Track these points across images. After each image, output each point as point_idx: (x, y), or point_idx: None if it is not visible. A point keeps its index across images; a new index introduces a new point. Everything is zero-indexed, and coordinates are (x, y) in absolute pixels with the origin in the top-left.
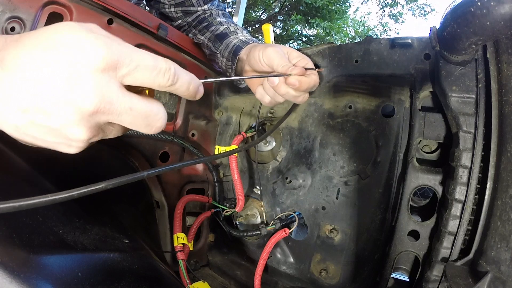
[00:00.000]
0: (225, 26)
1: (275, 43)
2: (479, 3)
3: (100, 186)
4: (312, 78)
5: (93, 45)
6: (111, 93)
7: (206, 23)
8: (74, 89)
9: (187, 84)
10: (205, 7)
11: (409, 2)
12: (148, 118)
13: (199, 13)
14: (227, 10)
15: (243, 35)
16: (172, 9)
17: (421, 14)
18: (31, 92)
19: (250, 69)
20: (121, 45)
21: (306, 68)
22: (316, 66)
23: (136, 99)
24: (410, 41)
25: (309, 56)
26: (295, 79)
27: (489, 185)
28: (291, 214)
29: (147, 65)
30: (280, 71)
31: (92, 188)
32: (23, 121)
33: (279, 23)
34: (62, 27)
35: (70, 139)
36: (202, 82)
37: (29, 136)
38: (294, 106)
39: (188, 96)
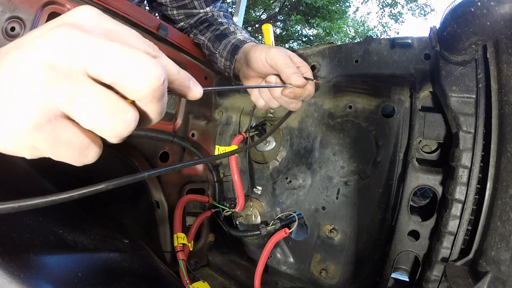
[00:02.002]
0: (225, 26)
1: (275, 43)
2: (479, 3)
3: (101, 186)
4: (307, 89)
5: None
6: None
7: (207, 24)
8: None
9: (175, 67)
10: (207, 9)
11: (409, 2)
12: (135, 59)
13: (201, 15)
14: (228, 11)
15: (242, 35)
16: (175, 12)
17: (421, 14)
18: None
19: (249, 69)
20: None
21: (306, 79)
22: (313, 67)
23: (104, 89)
24: (410, 41)
25: (309, 56)
26: (290, 91)
27: (489, 185)
28: (291, 214)
29: (131, 32)
30: (285, 71)
31: (92, 189)
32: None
33: (279, 23)
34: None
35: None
36: (204, 90)
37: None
38: None
39: (184, 86)
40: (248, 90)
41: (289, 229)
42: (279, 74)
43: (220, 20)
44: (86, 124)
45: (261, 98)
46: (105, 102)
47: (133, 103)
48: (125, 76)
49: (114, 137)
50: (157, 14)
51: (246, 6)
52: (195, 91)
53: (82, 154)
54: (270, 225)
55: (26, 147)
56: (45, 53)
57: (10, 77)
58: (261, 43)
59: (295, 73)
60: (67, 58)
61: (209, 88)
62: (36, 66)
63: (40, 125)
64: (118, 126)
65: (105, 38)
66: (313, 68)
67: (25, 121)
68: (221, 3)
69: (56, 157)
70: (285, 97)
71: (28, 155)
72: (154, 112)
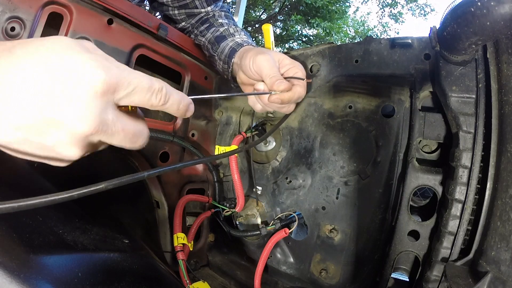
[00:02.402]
0: (225, 27)
1: (275, 43)
2: (479, 3)
3: (100, 186)
4: (296, 92)
5: (93, 68)
6: (107, 116)
7: (207, 24)
8: (71, 112)
9: (177, 103)
10: (209, 8)
11: (409, 2)
12: (134, 137)
13: (202, 14)
14: (230, 11)
15: (240, 37)
16: (176, 11)
17: (421, 14)
18: (25, 111)
19: (243, 74)
20: (119, 68)
21: (292, 78)
22: (312, 69)
23: (127, 120)
24: (410, 41)
25: (309, 56)
26: (276, 97)
27: (489, 185)
28: (291, 214)
29: (143, 87)
30: (268, 83)
31: (92, 189)
32: (15, 138)
33: (279, 23)
34: (59, 46)
35: (62, 156)
36: (192, 98)
37: (20, 151)
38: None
39: (179, 115)
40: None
41: (289, 229)
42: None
43: (220, 20)
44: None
45: (257, 103)
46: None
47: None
48: (126, 146)
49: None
50: (158, 15)
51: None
52: (188, 115)
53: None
54: (270, 225)
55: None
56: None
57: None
58: (261, 43)
59: (277, 80)
60: (93, 141)
61: (198, 97)
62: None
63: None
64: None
65: (117, 129)
66: (312, 68)
67: (87, 127)
68: (222, 2)
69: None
70: (276, 104)
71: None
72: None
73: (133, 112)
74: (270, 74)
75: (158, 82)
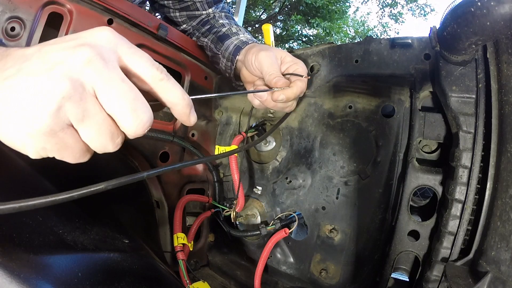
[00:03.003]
0: (227, 27)
1: (275, 43)
2: (479, 3)
3: (100, 187)
4: (298, 87)
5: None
6: (107, 55)
7: (208, 26)
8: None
9: (181, 92)
10: (210, 10)
11: (409, 2)
12: (136, 103)
13: (203, 16)
14: (230, 11)
15: (244, 36)
16: (177, 14)
17: (421, 14)
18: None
19: (246, 71)
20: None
21: (292, 74)
22: (312, 69)
23: (127, 80)
24: (410, 41)
25: (309, 56)
26: (280, 93)
27: (489, 185)
28: (291, 214)
29: (144, 55)
30: (267, 80)
31: (92, 189)
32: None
33: (279, 23)
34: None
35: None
36: (192, 98)
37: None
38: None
39: (182, 112)
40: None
41: (289, 229)
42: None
43: (221, 21)
44: (86, 139)
45: (255, 99)
46: (106, 128)
47: None
48: (122, 116)
49: (101, 151)
50: (159, 17)
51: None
52: (192, 119)
53: (81, 156)
54: (270, 225)
55: (35, 148)
56: (69, 71)
57: (33, 83)
58: (261, 43)
59: (276, 77)
60: (86, 80)
61: (198, 96)
62: (60, 80)
63: (54, 131)
64: (108, 145)
65: (118, 75)
66: (312, 68)
67: (42, 126)
68: (224, 3)
69: (60, 157)
70: (279, 104)
71: (34, 155)
72: (133, 139)
73: None
74: (270, 71)
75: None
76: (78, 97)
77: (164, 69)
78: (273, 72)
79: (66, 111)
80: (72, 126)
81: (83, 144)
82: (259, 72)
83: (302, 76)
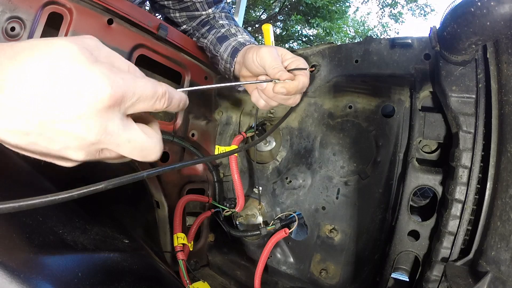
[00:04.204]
0: (226, 28)
1: (275, 43)
2: (479, 3)
3: (100, 186)
4: (300, 81)
5: (99, 82)
6: (114, 127)
7: (208, 26)
8: (78, 122)
9: (178, 102)
10: (210, 11)
11: (409, 2)
12: (144, 151)
13: (203, 17)
14: (231, 12)
15: (243, 37)
16: (177, 14)
17: (421, 14)
18: (32, 117)
19: (246, 71)
20: (124, 79)
21: (295, 69)
22: (314, 66)
23: (135, 132)
24: (410, 41)
25: (309, 56)
26: (281, 86)
27: (489, 185)
28: (291, 214)
29: (147, 95)
30: (270, 73)
31: (92, 189)
32: (24, 142)
33: (279, 23)
34: (62, 54)
35: (67, 159)
36: (179, 90)
37: (27, 151)
38: (294, 106)
39: (178, 110)
40: (248, 91)
41: (289, 229)
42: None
43: (221, 22)
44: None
45: (261, 99)
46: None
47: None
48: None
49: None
50: (160, 17)
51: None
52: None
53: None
54: (270, 225)
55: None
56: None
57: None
58: (261, 43)
59: (279, 71)
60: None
61: (189, 88)
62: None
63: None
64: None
65: (125, 134)
66: (312, 68)
67: (92, 136)
68: (224, 3)
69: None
70: (280, 95)
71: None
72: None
73: (147, 121)
74: (273, 65)
75: (161, 86)
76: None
77: (165, 90)
78: (277, 66)
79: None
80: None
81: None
82: (261, 69)
83: (305, 69)
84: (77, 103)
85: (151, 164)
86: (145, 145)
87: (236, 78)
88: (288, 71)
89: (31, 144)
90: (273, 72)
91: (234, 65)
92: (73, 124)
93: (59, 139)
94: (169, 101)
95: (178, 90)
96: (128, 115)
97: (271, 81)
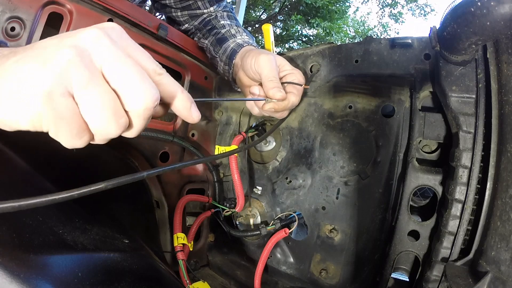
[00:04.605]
0: (226, 29)
1: (275, 43)
2: (479, 3)
3: (100, 186)
4: (290, 101)
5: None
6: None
7: (209, 27)
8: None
9: (179, 86)
10: (211, 9)
11: (409, 2)
12: (143, 77)
13: (205, 16)
14: (233, 11)
15: (242, 38)
16: (179, 13)
17: (421, 14)
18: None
19: (244, 74)
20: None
21: (290, 83)
22: (313, 72)
23: (133, 58)
24: (410, 41)
25: (309, 56)
26: (271, 106)
27: (489, 185)
28: (291, 214)
29: (145, 51)
30: (266, 85)
31: (92, 188)
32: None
33: (279, 23)
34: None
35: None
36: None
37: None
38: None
39: (184, 107)
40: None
41: (289, 229)
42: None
43: (222, 22)
44: (86, 113)
45: (255, 107)
46: (110, 102)
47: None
48: (129, 89)
49: (102, 136)
50: (162, 17)
51: (246, 6)
52: (194, 115)
53: (76, 136)
54: (270, 225)
55: (32, 113)
56: (78, 40)
57: (42, 50)
58: (261, 43)
59: (275, 87)
60: (94, 52)
61: (198, 99)
62: (68, 46)
63: (53, 94)
64: (111, 125)
65: (125, 53)
66: (312, 68)
67: (43, 86)
68: (227, 2)
69: (55, 131)
70: (268, 111)
71: (29, 125)
72: (137, 126)
73: None
74: (269, 77)
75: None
76: (84, 64)
77: (162, 68)
78: (273, 79)
79: (69, 75)
80: (73, 98)
81: (82, 121)
82: (258, 76)
83: (301, 85)
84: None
85: (152, 164)
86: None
87: (235, 80)
88: (283, 83)
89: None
90: (268, 85)
91: (233, 67)
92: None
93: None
94: (166, 73)
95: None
96: None
97: (264, 99)
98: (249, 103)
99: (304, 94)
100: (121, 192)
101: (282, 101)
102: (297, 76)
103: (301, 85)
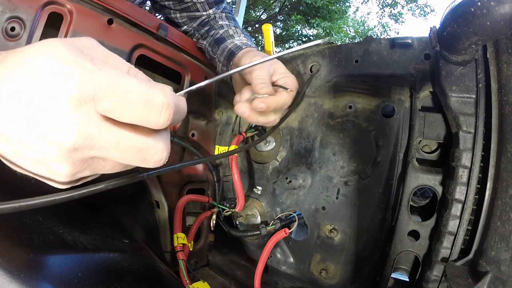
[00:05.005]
0: (225, 29)
1: (275, 43)
2: (479, 3)
3: (100, 186)
4: (282, 97)
5: (67, 73)
6: (91, 128)
7: (208, 27)
8: (50, 124)
9: (183, 115)
10: (210, 11)
11: (409, 2)
12: (141, 152)
13: (203, 17)
14: (232, 12)
15: (240, 39)
16: (178, 15)
17: (421, 14)
18: (10, 123)
19: (239, 76)
20: (105, 72)
21: (280, 86)
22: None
23: (125, 132)
24: (410, 41)
25: (309, 56)
26: (260, 101)
27: (489, 185)
28: (291, 214)
29: (135, 99)
30: (254, 83)
31: (92, 189)
32: (7, 150)
33: (279, 23)
34: (44, 50)
35: (54, 172)
36: (182, 92)
37: (15, 164)
38: (293, 106)
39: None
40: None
41: (289, 229)
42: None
43: (220, 22)
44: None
45: (247, 111)
46: (132, 145)
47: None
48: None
49: (155, 162)
50: (161, 18)
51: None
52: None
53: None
54: (270, 225)
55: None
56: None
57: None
58: (261, 43)
59: (263, 83)
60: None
61: (183, 91)
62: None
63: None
64: (146, 160)
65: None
66: (312, 68)
67: (69, 139)
68: (226, 3)
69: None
70: (259, 109)
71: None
72: (172, 121)
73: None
74: (259, 76)
75: (163, 93)
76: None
77: (170, 100)
78: (262, 77)
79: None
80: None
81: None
82: (249, 75)
83: (287, 89)
84: (46, 101)
85: None
86: (141, 145)
87: (233, 81)
88: (273, 85)
89: (14, 154)
90: (256, 82)
91: (231, 68)
92: (45, 126)
93: (36, 145)
94: (174, 115)
95: (180, 92)
96: (113, 121)
97: (256, 96)
98: (240, 109)
99: (304, 94)
100: (121, 192)
101: (273, 96)
102: (290, 79)
103: (287, 89)
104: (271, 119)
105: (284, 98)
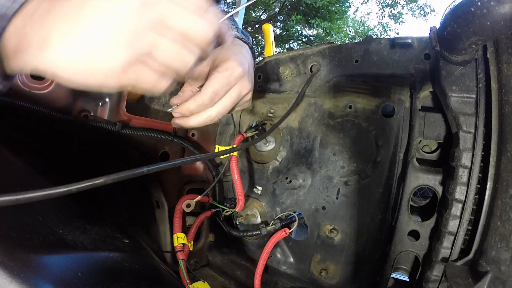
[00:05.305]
0: None
1: (275, 43)
2: (479, 3)
3: (100, 181)
4: (193, 103)
5: None
6: (153, 20)
7: None
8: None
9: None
10: None
11: (409, 2)
12: (197, 33)
13: None
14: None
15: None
16: None
17: (421, 14)
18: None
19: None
20: None
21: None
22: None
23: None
24: (410, 41)
25: (309, 56)
26: (175, 112)
27: (489, 185)
28: (291, 214)
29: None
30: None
31: (91, 183)
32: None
33: (279, 23)
34: None
35: (115, 57)
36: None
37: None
38: (294, 106)
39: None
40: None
41: (289, 229)
42: None
43: None
44: (161, 62)
45: (176, 120)
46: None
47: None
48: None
49: (182, 67)
50: None
51: (246, 6)
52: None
53: (155, 87)
54: (270, 225)
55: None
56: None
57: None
58: (261, 43)
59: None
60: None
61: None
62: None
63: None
64: (187, 56)
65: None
66: (312, 68)
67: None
68: (222, 5)
69: (135, 89)
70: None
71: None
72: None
73: None
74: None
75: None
76: (150, 27)
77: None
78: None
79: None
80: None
81: (154, 75)
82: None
83: (195, 91)
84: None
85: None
86: (196, 26)
87: None
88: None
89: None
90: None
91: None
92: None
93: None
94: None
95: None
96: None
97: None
98: (175, 122)
99: (304, 93)
100: (121, 192)
101: (182, 105)
102: (220, 77)
103: (193, 91)
104: (205, 116)
105: (196, 101)
